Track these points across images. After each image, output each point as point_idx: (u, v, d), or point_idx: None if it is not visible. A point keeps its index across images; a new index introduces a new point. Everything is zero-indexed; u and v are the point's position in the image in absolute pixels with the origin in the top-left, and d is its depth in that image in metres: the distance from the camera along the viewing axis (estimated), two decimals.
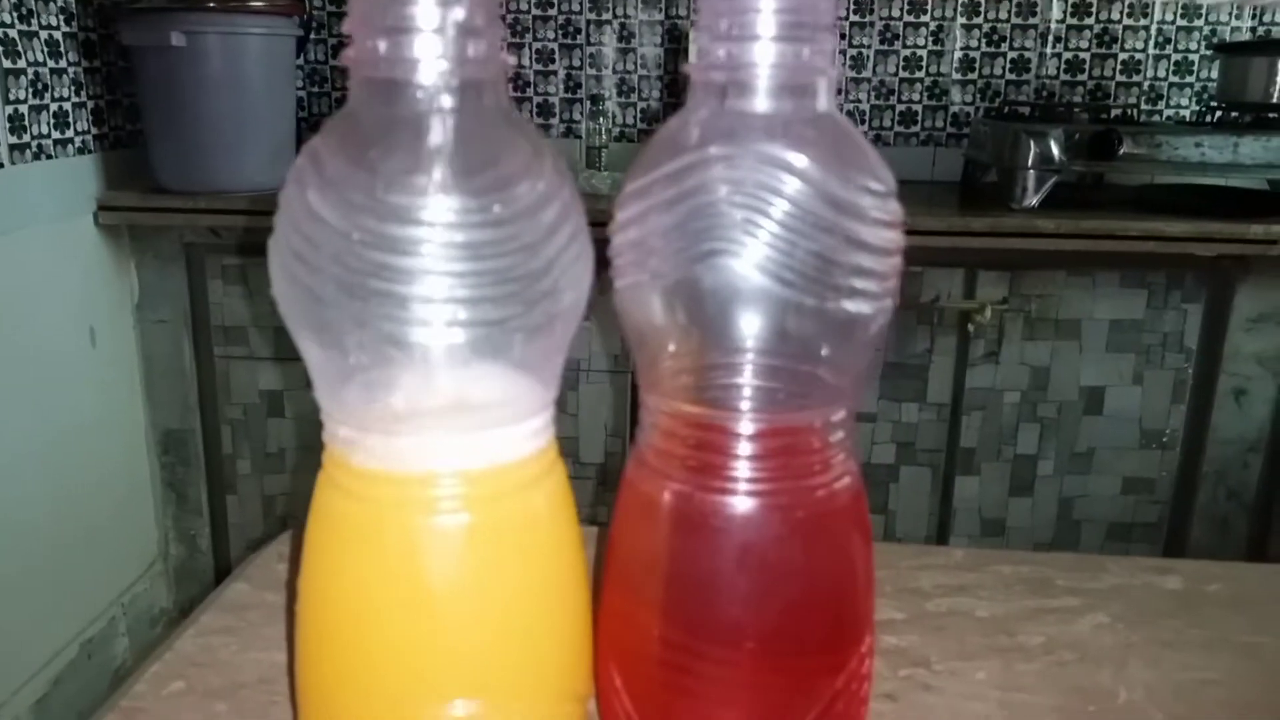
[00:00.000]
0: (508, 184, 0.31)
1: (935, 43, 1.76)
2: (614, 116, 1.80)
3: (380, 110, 0.31)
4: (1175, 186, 1.57)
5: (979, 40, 1.76)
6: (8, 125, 1.24)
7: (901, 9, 1.74)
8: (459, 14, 0.30)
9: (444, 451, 0.32)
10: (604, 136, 1.72)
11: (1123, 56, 1.76)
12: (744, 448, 0.34)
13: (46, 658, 1.33)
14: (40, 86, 1.30)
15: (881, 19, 1.75)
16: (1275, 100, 1.52)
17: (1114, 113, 1.77)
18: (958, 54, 1.76)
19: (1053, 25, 1.75)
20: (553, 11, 1.76)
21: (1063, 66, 1.77)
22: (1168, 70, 1.76)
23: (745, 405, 0.34)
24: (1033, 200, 1.43)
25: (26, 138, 1.28)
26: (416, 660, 0.34)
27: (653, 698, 0.37)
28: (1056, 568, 0.57)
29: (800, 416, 0.35)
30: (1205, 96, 1.76)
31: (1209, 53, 1.75)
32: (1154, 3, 1.73)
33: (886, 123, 1.79)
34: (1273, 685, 0.47)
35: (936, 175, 1.79)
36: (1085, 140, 1.41)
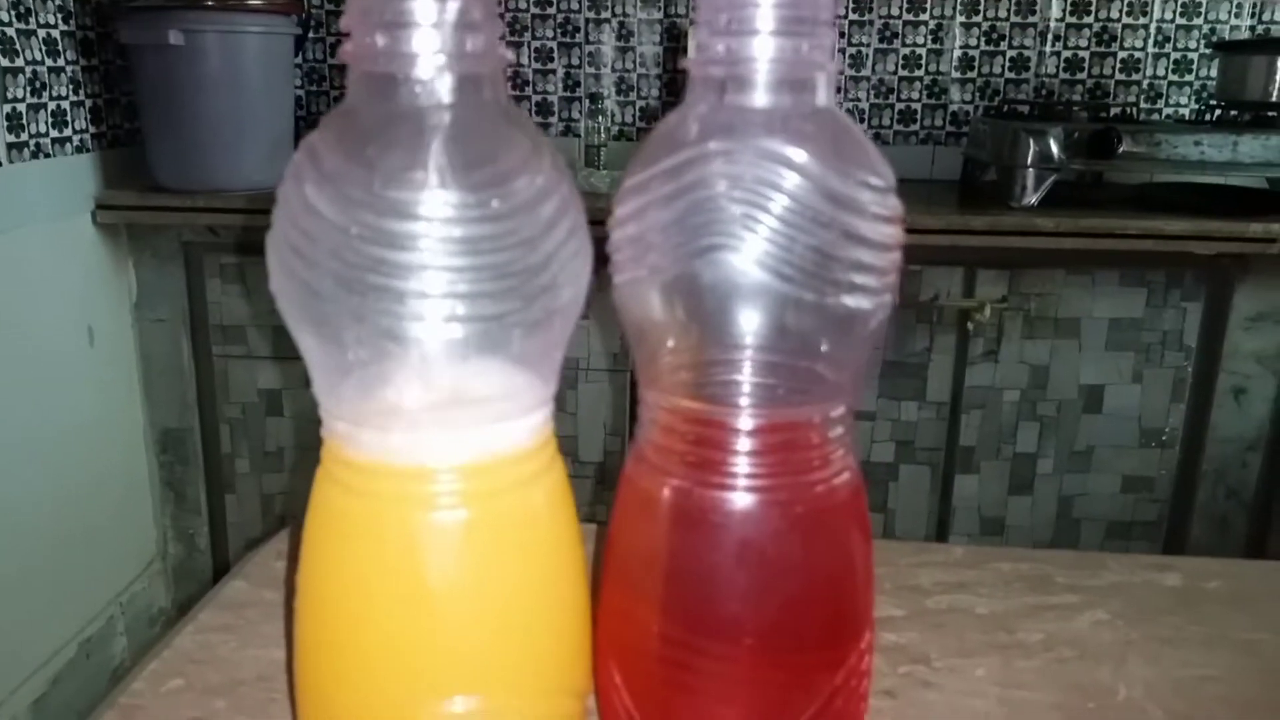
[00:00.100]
0: (506, 179, 0.31)
1: (934, 41, 1.76)
2: (613, 115, 1.80)
3: (378, 105, 0.31)
4: (1174, 185, 1.57)
5: (978, 39, 1.75)
6: (5, 124, 1.24)
7: (900, 7, 1.74)
8: (456, 8, 0.30)
9: (442, 447, 0.32)
10: (603, 135, 1.72)
11: (1122, 55, 1.76)
12: (743, 443, 0.34)
13: (45, 657, 1.33)
14: (38, 85, 1.30)
15: (881, 17, 1.75)
16: (1274, 99, 1.52)
17: (1113, 111, 1.77)
18: (957, 52, 1.76)
19: (1052, 24, 1.75)
20: (551, 10, 1.76)
21: (1062, 65, 1.77)
22: (1167, 69, 1.76)
23: (744, 401, 0.34)
24: (1032, 199, 1.43)
25: (24, 136, 1.28)
26: (415, 657, 0.34)
27: (652, 694, 0.37)
28: (1056, 565, 0.57)
29: (799, 412, 0.34)
30: (1204, 95, 1.76)
31: (1208, 51, 1.75)
32: (1153, 1, 1.73)
33: (886, 121, 1.79)
34: (1272, 682, 0.47)
35: (936, 174, 1.79)
36: (1084, 139, 1.41)
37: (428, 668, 0.34)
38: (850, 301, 0.33)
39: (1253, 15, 1.73)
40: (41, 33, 1.31)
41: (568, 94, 1.79)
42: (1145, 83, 1.77)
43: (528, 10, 1.76)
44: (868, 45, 1.76)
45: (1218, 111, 1.63)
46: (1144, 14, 1.74)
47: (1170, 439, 1.46)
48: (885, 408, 1.46)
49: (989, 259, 1.39)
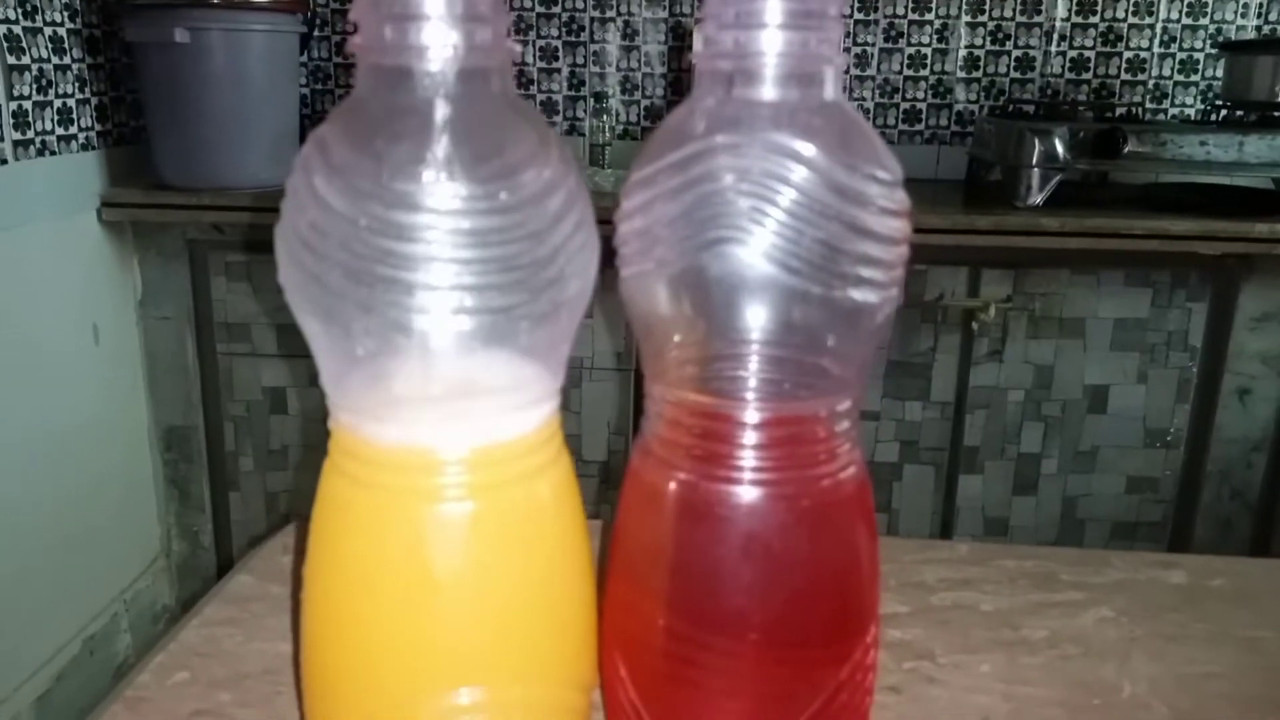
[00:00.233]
0: (514, 171, 0.31)
1: (940, 41, 1.75)
2: (618, 114, 1.80)
3: (387, 97, 0.31)
4: (1180, 185, 1.57)
5: (984, 38, 1.75)
6: (12, 121, 1.24)
7: (906, 7, 1.74)
8: (464, 1, 0.30)
9: (449, 438, 0.32)
10: (608, 134, 1.73)
11: (1128, 55, 1.76)
12: (749, 437, 0.34)
13: (49, 654, 1.33)
14: (44, 83, 1.30)
15: (886, 17, 1.75)
16: None
17: (1119, 111, 1.77)
18: (962, 52, 1.76)
19: (1058, 23, 1.75)
20: (556, 9, 1.76)
21: (1067, 65, 1.77)
22: (1173, 69, 1.76)
23: (751, 394, 0.34)
24: (1037, 198, 1.43)
25: (30, 134, 1.28)
26: (421, 648, 0.34)
27: (657, 687, 0.37)
28: (1060, 562, 0.57)
29: (806, 406, 0.34)
30: (1210, 95, 1.76)
31: (1214, 51, 1.74)
32: (1159, 1, 1.73)
33: (891, 121, 1.79)
34: (1275, 679, 0.47)
35: (941, 173, 1.79)
36: (1090, 138, 1.41)
37: (434, 660, 0.34)
38: (857, 295, 0.33)
39: (1259, 15, 1.73)
40: (48, 30, 1.31)
41: (572, 93, 1.80)
42: (1151, 82, 1.77)
43: (533, 9, 1.76)
44: (873, 45, 1.76)
45: (1223, 111, 1.63)
46: (1150, 14, 1.74)
47: (1175, 439, 1.46)
48: (889, 407, 1.46)
49: (994, 259, 1.39)
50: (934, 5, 1.74)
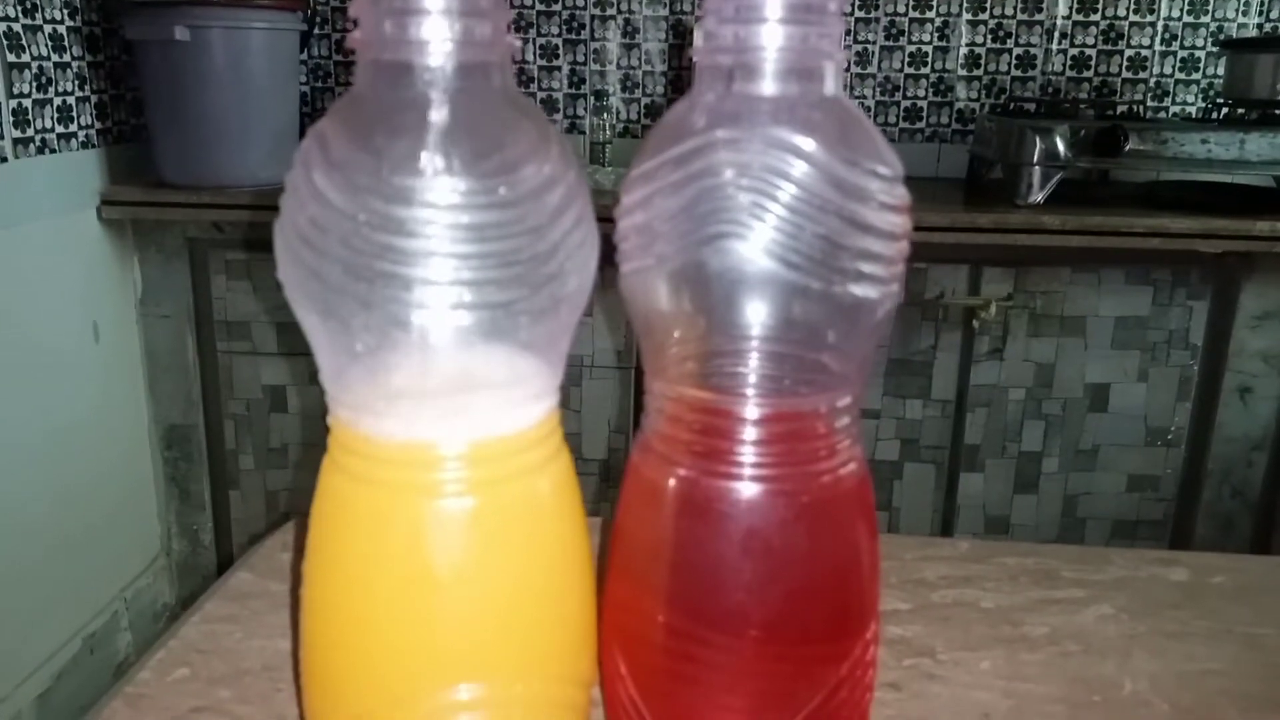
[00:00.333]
0: (513, 166, 0.31)
1: (941, 39, 1.75)
2: (618, 112, 1.80)
3: (386, 92, 0.31)
4: (1181, 183, 1.56)
5: (984, 36, 1.75)
6: (12, 119, 1.24)
7: (907, 5, 1.74)
8: None
9: (448, 433, 0.32)
10: (608, 132, 1.73)
11: (1129, 53, 1.76)
12: (749, 433, 0.34)
13: (49, 652, 1.33)
14: (44, 81, 1.30)
15: (887, 14, 1.75)
16: None
17: (1120, 109, 1.77)
18: (963, 50, 1.76)
19: (1059, 21, 1.74)
20: (557, 7, 1.76)
21: (1069, 63, 1.76)
22: (1174, 67, 1.76)
23: (751, 390, 0.34)
24: (1038, 196, 1.43)
25: (30, 132, 1.28)
26: (421, 645, 0.34)
27: (657, 684, 0.37)
28: (1061, 559, 0.57)
29: (806, 402, 0.34)
30: (1212, 93, 1.76)
31: (1215, 49, 1.74)
32: None
33: (891, 119, 1.79)
34: (1276, 676, 0.47)
35: (941, 171, 1.79)
36: (1091, 136, 1.40)
37: (433, 656, 0.34)
38: (858, 291, 0.33)
39: (1260, 13, 1.73)
40: (48, 28, 1.31)
41: (573, 91, 1.79)
42: (1152, 80, 1.77)
43: (533, 7, 1.76)
44: (874, 42, 1.76)
45: (1225, 109, 1.63)
46: (1151, 12, 1.73)
47: (1176, 438, 1.46)
48: (890, 406, 1.46)
49: (994, 257, 1.39)
50: (935, 3, 1.74)
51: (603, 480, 1.47)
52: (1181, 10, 1.73)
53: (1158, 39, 1.75)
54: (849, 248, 0.32)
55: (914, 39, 1.75)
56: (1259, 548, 1.47)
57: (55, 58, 1.33)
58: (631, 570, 0.37)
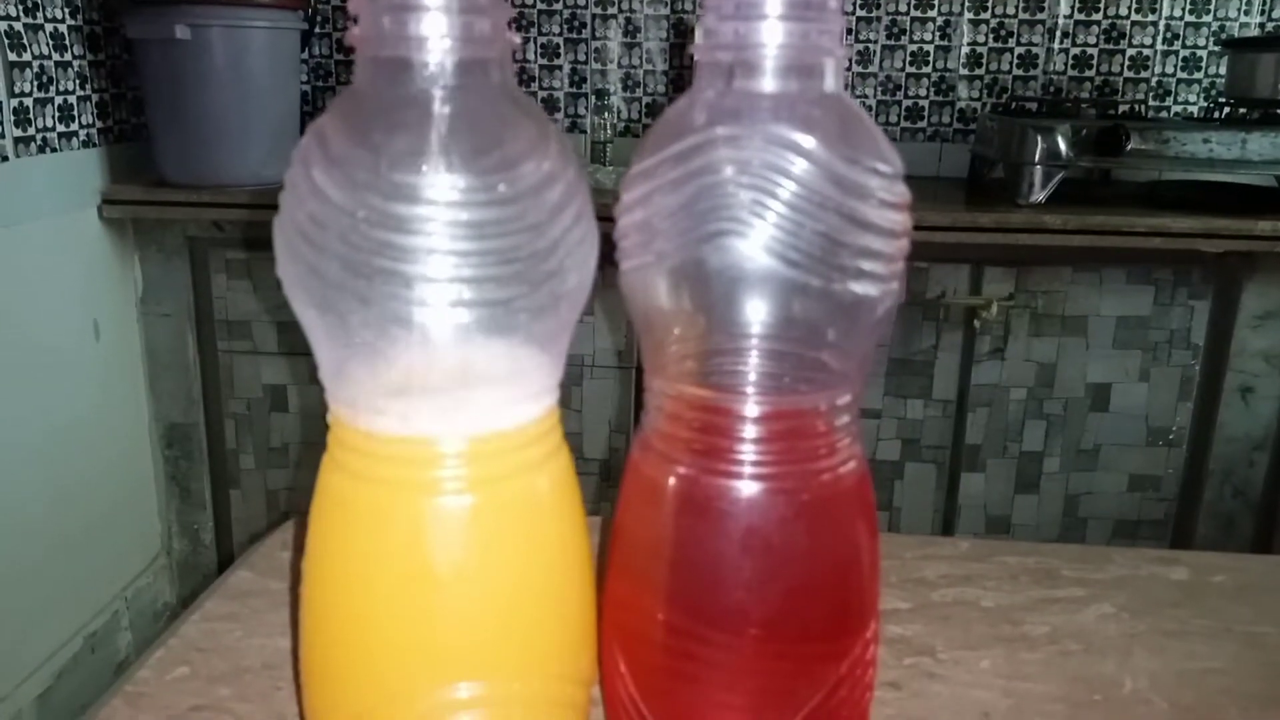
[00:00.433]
0: (513, 163, 0.31)
1: (942, 38, 1.75)
2: (619, 111, 1.80)
3: (386, 89, 0.31)
4: (1183, 182, 1.56)
5: (986, 35, 1.75)
6: (13, 118, 1.24)
7: (909, 4, 1.74)
8: None
9: (448, 431, 0.32)
10: (609, 131, 1.72)
11: (1131, 52, 1.76)
12: (749, 431, 0.34)
13: (49, 651, 1.33)
14: (45, 80, 1.30)
15: (888, 14, 1.74)
16: None
17: (1122, 108, 1.76)
18: (965, 49, 1.76)
19: (1060, 20, 1.74)
20: (558, 5, 1.76)
21: (1070, 62, 1.76)
22: (1176, 66, 1.76)
23: (751, 388, 0.34)
24: (1039, 196, 1.43)
25: (31, 130, 1.28)
26: (420, 643, 0.34)
27: (657, 682, 0.37)
28: (1062, 559, 0.57)
29: (806, 400, 0.34)
30: (1213, 92, 1.76)
31: (1217, 48, 1.74)
32: None
33: (893, 118, 1.79)
34: (1276, 674, 0.46)
35: (943, 171, 1.79)
36: (1092, 136, 1.40)
37: (432, 654, 0.34)
38: (858, 288, 0.32)
39: (1262, 13, 1.73)
40: (49, 27, 1.31)
41: (574, 90, 1.79)
42: (1154, 80, 1.77)
43: (534, 6, 1.76)
44: (875, 42, 1.76)
45: (1226, 109, 1.63)
46: (1153, 11, 1.73)
47: (1177, 438, 1.46)
48: (891, 405, 1.46)
49: (996, 256, 1.39)
50: (936, 2, 1.74)
51: (603, 480, 1.47)
52: (1183, 9, 1.73)
53: (1159, 38, 1.75)
54: (849, 245, 0.32)
55: (915, 38, 1.75)
56: (1260, 548, 1.47)
57: (56, 56, 1.33)
58: (631, 568, 0.37)
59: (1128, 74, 1.77)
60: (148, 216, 1.43)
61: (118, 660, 1.47)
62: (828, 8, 0.32)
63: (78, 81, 1.38)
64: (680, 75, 1.78)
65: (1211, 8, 1.73)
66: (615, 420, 1.48)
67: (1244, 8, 1.72)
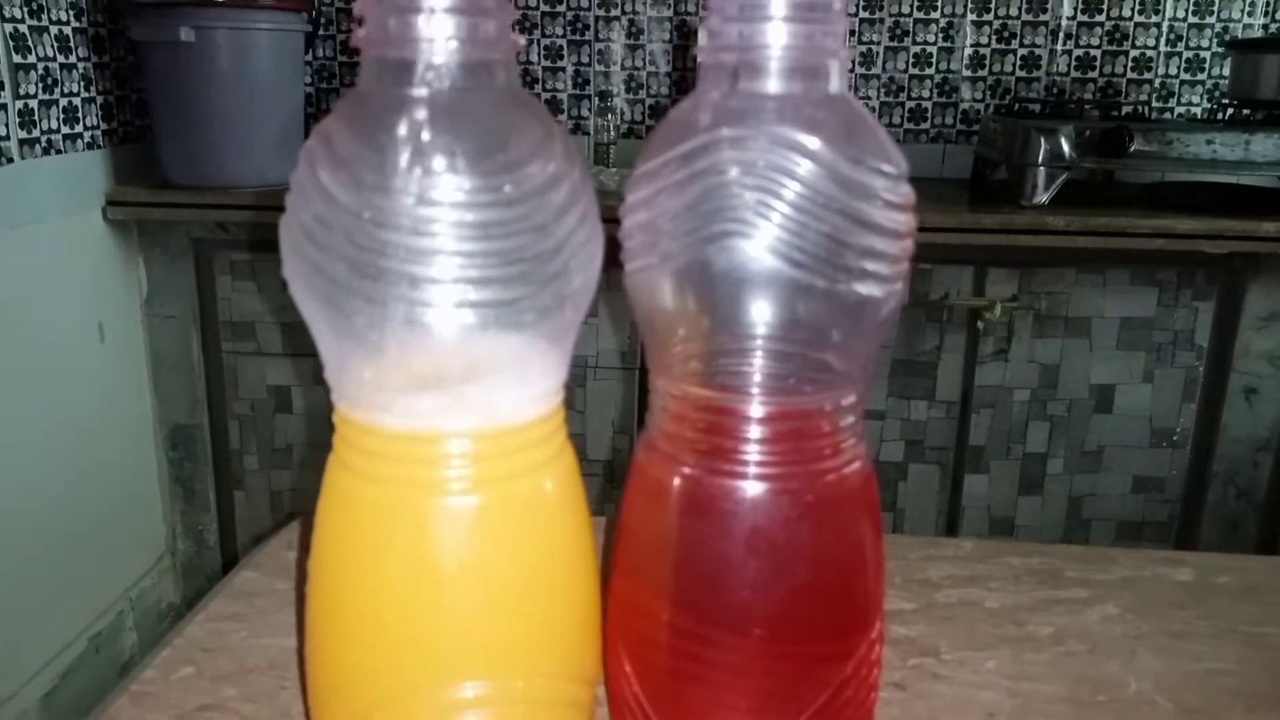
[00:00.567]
0: (518, 164, 0.31)
1: (945, 39, 1.75)
2: (622, 113, 1.80)
3: (391, 90, 0.31)
4: (1186, 184, 1.56)
5: (989, 37, 1.75)
6: (18, 120, 1.25)
7: (911, 5, 1.74)
8: None
9: (453, 432, 0.32)
10: (612, 133, 1.72)
11: (1134, 53, 1.76)
12: (754, 431, 0.34)
13: (54, 652, 1.33)
14: (50, 81, 1.31)
15: (891, 15, 1.74)
16: None
17: (1125, 110, 1.76)
18: (968, 51, 1.76)
19: (1063, 22, 1.74)
20: (561, 8, 1.76)
21: (1073, 63, 1.76)
22: (1179, 67, 1.76)
23: (756, 389, 0.34)
24: (1043, 197, 1.43)
25: (36, 132, 1.28)
26: (425, 642, 0.34)
27: (661, 683, 0.37)
28: (1066, 559, 0.57)
29: (810, 400, 0.34)
30: (1217, 94, 1.76)
31: (1221, 50, 1.74)
32: None
33: (896, 119, 1.79)
34: None
35: (946, 172, 1.79)
36: (1096, 137, 1.40)
37: (437, 653, 0.34)
38: (862, 289, 0.32)
39: (1266, 14, 1.73)
40: (53, 29, 1.31)
41: (577, 92, 1.80)
42: (1157, 81, 1.77)
43: (537, 8, 1.76)
44: (878, 43, 1.76)
45: (1230, 110, 1.63)
46: (1156, 12, 1.73)
47: (1181, 439, 1.46)
48: (895, 407, 1.46)
49: (999, 258, 1.39)
50: (939, 4, 1.74)
51: (607, 481, 1.48)
52: (1186, 11, 1.73)
53: (1163, 39, 1.74)
54: (854, 246, 0.32)
55: (918, 40, 1.75)
56: (1264, 549, 1.47)
57: (61, 59, 1.33)
58: (636, 568, 0.37)
59: (1131, 75, 1.77)
60: (152, 218, 1.43)
61: (122, 661, 1.47)
62: (832, 9, 0.32)
63: (82, 83, 1.38)
64: (683, 77, 1.78)
65: (1215, 9, 1.72)
66: (619, 421, 1.48)
67: (1247, 9, 1.72)
